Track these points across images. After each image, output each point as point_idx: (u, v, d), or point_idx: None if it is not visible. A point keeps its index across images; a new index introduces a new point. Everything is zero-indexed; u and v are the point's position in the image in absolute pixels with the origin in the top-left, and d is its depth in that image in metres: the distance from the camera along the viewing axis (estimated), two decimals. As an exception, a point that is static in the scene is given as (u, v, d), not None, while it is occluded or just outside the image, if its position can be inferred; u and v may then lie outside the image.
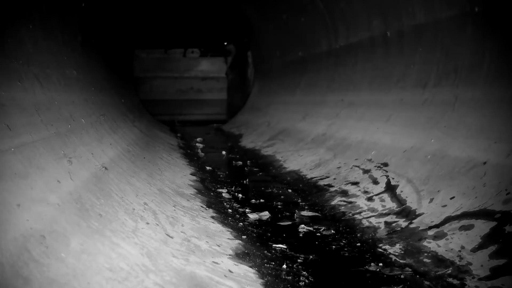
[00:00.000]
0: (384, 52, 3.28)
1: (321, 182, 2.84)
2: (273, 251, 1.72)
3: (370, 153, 2.80)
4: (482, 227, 1.60)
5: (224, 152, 4.39)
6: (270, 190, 2.81)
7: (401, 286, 1.43)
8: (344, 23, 4.00)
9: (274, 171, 3.41)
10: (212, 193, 2.57)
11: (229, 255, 1.57)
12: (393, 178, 2.34)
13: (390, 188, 2.28)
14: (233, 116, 7.21)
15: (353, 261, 1.66)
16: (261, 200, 2.53)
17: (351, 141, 3.18)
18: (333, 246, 1.82)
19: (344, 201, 2.39)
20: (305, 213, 2.26)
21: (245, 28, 7.19)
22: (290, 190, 2.77)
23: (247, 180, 3.16)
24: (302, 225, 2.04)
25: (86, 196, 1.45)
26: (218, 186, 2.82)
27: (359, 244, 1.81)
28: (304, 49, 5.17)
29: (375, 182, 2.43)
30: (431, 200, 1.96)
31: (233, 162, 3.95)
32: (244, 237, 1.81)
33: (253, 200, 2.52)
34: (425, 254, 1.62)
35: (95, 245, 1.20)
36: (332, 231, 1.99)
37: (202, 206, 2.17)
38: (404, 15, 2.96)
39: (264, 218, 2.18)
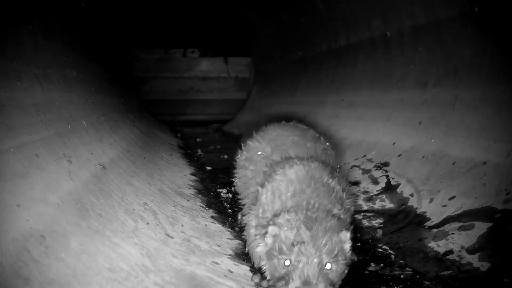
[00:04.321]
0: (384, 52, 3.28)
1: (321, 182, 2.84)
2: (273, 251, 1.71)
3: (370, 153, 2.79)
4: (482, 227, 1.60)
5: (224, 152, 4.39)
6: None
7: (401, 286, 1.43)
8: (344, 23, 4.00)
9: (274, 171, 3.41)
10: (212, 193, 2.57)
11: (229, 255, 1.57)
12: (393, 178, 2.34)
13: (390, 188, 2.27)
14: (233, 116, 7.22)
15: (353, 261, 1.66)
16: (261, 200, 2.52)
17: (351, 141, 3.18)
18: (333, 246, 1.81)
19: (344, 201, 2.39)
20: (305, 213, 2.20)
21: (245, 28, 7.19)
22: (290, 190, 2.77)
23: (247, 180, 3.15)
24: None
25: (86, 196, 1.45)
26: (218, 186, 2.82)
27: (359, 244, 1.81)
28: (304, 49, 5.17)
29: (375, 182, 2.43)
30: (431, 200, 1.96)
31: (233, 162, 3.94)
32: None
33: (253, 200, 2.51)
34: (425, 254, 1.62)
35: (95, 245, 1.20)
36: (332, 231, 1.98)
37: (202, 206, 2.17)
38: (404, 15, 2.96)
39: (264, 218, 2.09)
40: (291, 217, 1.28)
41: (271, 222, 1.32)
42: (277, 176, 1.49)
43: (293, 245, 1.21)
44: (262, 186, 1.49)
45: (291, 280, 1.18)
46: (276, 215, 1.33)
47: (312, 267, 1.17)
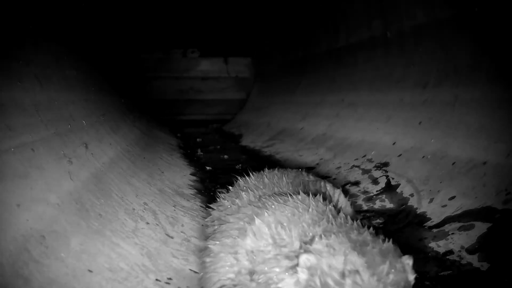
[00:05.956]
0: (384, 52, 3.28)
1: (321, 182, 2.84)
2: (273, 251, 1.71)
3: (370, 153, 2.80)
4: (482, 227, 1.60)
5: (224, 152, 4.40)
6: (270, 190, 2.80)
7: (401, 286, 1.43)
8: (344, 23, 4.00)
9: (274, 171, 3.41)
10: (212, 193, 2.57)
11: (229, 255, 1.56)
12: (393, 178, 2.34)
13: (390, 188, 2.27)
14: (233, 116, 7.22)
15: None
16: (261, 200, 2.52)
17: (351, 141, 3.18)
18: (333, 246, 1.81)
19: (344, 201, 2.39)
20: (305, 213, 2.19)
21: (245, 27, 7.19)
22: (290, 190, 2.77)
23: (247, 180, 3.15)
24: (302, 225, 1.98)
25: (86, 196, 1.45)
26: (218, 186, 2.82)
27: (359, 244, 1.81)
28: (304, 49, 5.17)
29: (375, 182, 2.43)
30: (431, 200, 1.96)
31: (233, 162, 3.95)
32: (244, 237, 1.81)
33: (253, 200, 2.51)
34: (425, 254, 1.62)
35: (95, 245, 1.20)
36: (332, 231, 1.98)
37: (202, 206, 2.17)
38: (404, 15, 2.96)
39: (264, 218, 2.09)
40: (332, 240, 0.92)
41: (301, 250, 0.95)
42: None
43: (343, 276, 0.85)
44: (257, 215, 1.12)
45: None
46: (305, 242, 0.97)
47: None
